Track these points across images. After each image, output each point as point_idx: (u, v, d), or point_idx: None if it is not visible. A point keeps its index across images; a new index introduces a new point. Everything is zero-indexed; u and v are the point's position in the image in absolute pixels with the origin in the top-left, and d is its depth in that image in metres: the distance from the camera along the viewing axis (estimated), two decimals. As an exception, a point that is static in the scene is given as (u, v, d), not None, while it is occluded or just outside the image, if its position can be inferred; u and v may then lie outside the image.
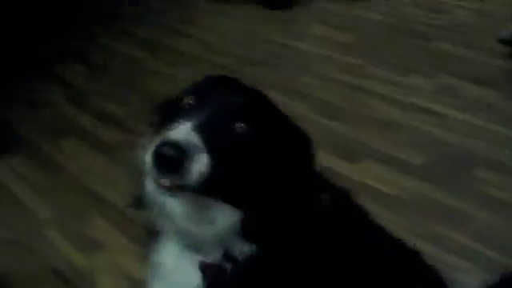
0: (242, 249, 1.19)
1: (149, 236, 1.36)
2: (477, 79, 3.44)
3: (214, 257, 1.22)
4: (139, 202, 1.29)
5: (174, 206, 1.19)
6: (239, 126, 1.14)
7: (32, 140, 3.25)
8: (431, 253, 1.59)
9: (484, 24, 4.27)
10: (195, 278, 1.25)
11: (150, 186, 1.20)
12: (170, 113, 1.23)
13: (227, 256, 1.21)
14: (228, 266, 1.21)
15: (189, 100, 1.19)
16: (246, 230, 1.17)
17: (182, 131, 1.07)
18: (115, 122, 3.37)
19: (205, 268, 1.23)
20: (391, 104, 3.30)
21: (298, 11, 4.98)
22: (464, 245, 2.24)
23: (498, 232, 2.30)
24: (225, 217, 1.17)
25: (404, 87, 3.47)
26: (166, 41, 4.52)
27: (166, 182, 1.07)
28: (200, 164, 1.06)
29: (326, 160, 1.31)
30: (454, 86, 3.43)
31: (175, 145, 1.03)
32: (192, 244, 1.23)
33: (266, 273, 1.22)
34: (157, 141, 1.05)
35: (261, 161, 1.16)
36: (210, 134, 1.08)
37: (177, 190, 1.09)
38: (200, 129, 1.08)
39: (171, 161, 1.03)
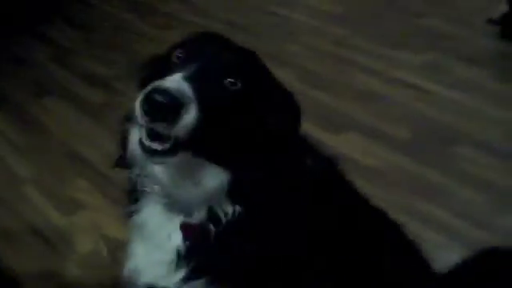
0: (227, 210, 1.19)
1: (130, 195, 1.34)
2: (465, 57, 3.42)
3: (197, 217, 1.21)
4: (122, 161, 1.28)
5: (159, 167, 1.18)
6: (230, 81, 1.12)
7: (15, 97, 3.23)
8: (411, 228, 1.58)
9: (476, 2, 4.25)
10: (176, 238, 1.25)
11: (134, 145, 1.18)
12: (158, 68, 1.20)
13: (211, 217, 1.20)
14: (211, 227, 1.21)
15: (178, 53, 1.17)
16: (231, 192, 1.16)
17: (174, 80, 1.05)
18: (100, 82, 3.34)
19: (186, 228, 1.23)
20: (378, 77, 3.28)
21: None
22: (445, 221, 2.25)
23: (479, 210, 2.32)
24: (211, 178, 1.15)
25: (392, 61, 3.45)
26: (154, 4, 4.45)
27: (152, 144, 1.06)
28: (190, 114, 1.03)
29: (309, 129, 1.30)
30: (442, 63, 3.41)
31: (166, 91, 1.01)
32: (175, 205, 1.22)
33: (249, 235, 1.21)
34: (147, 88, 1.03)
35: (249, 119, 1.15)
36: (200, 85, 1.06)
37: (162, 153, 1.07)
38: (191, 79, 1.06)
39: (161, 107, 1.00)
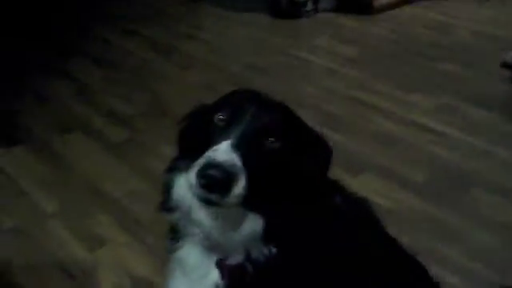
0: (263, 251, 1.27)
1: (171, 234, 1.42)
2: (478, 101, 3.50)
3: (235, 258, 1.29)
4: (164, 206, 1.36)
5: (201, 213, 1.27)
6: (271, 141, 1.22)
7: (39, 133, 3.31)
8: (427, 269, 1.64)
9: (487, 46, 4.34)
10: (214, 275, 1.32)
11: (180, 192, 1.30)
12: (200, 127, 1.30)
13: (248, 257, 1.28)
14: (249, 267, 1.29)
15: (221, 116, 1.26)
16: (267, 234, 1.25)
17: (224, 152, 1.15)
18: (122, 120, 3.43)
19: (223, 267, 1.31)
20: (393, 120, 3.36)
21: (306, 22, 5.05)
22: (459, 263, 2.30)
23: (493, 252, 2.36)
24: (249, 224, 1.24)
25: (406, 104, 3.53)
26: (176, 44, 4.58)
27: (209, 197, 1.15)
28: (240, 184, 1.14)
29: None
30: (455, 106, 3.49)
31: (220, 167, 1.11)
32: (214, 246, 1.30)
33: (284, 274, 1.29)
34: (201, 161, 1.14)
35: (288, 171, 1.24)
36: (246, 152, 1.17)
37: (215, 205, 1.17)
38: (238, 147, 1.17)
39: (216, 182, 1.11)
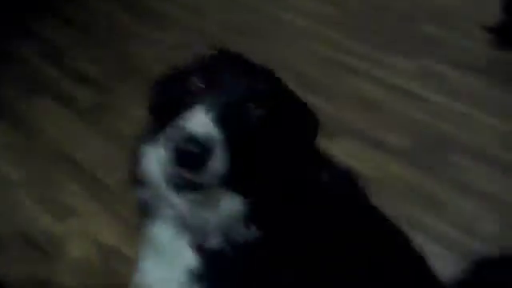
0: (244, 233, 1.14)
1: (141, 210, 1.30)
2: (461, 65, 3.40)
3: (213, 241, 1.17)
4: (135, 179, 1.23)
5: (173, 194, 1.14)
6: (253, 107, 1.09)
7: (4, 95, 3.16)
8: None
9: (469, 9, 4.24)
10: (189, 258, 1.21)
11: (150, 166, 1.17)
12: (174, 93, 1.16)
13: (229, 241, 1.16)
14: (229, 251, 1.17)
15: (197, 82, 1.12)
16: (249, 215, 1.13)
17: (201, 123, 1.01)
18: (92, 83, 3.28)
19: (200, 250, 1.19)
20: (372, 83, 3.26)
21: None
22: (438, 230, 2.25)
23: (472, 219, 2.32)
24: (228, 204, 1.12)
25: (386, 67, 3.42)
26: (151, 4, 4.39)
27: (183, 174, 1.02)
28: (219, 160, 1.01)
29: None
30: (436, 69, 3.39)
31: (194, 138, 0.98)
32: (189, 228, 1.18)
33: (269, 258, 1.18)
34: (172, 132, 1.00)
35: (272, 143, 1.11)
36: (225, 120, 1.03)
37: (188, 189, 1.04)
38: (215, 116, 1.02)
39: (189, 157, 0.98)
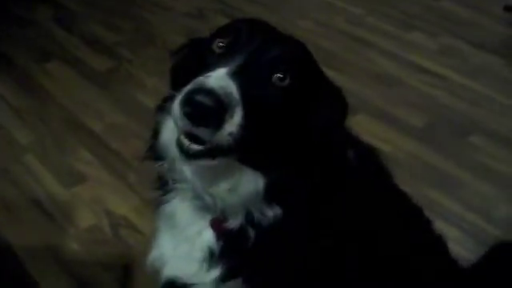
0: (266, 213, 1.08)
1: (159, 183, 1.25)
2: (481, 44, 3.33)
3: (234, 221, 1.10)
4: (152, 152, 1.18)
5: (190, 168, 1.08)
6: (279, 76, 1.01)
7: (17, 60, 3.11)
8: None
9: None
10: (208, 236, 1.16)
11: (167, 138, 1.10)
12: (197, 56, 1.09)
13: (249, 220, 1.09)
14: (250, 231, 1.11)
15: (221, 43, 1.05)
16: (271, 194, 1.06)
17: (219, 77, 0.92)
18: (106, 49, 3.23)
19: (219, 228, 1.14)
20: (391, 59, 3.19)
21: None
22: (454, 212, 2.20)
23: (490, 202, 2.26)
24: (249, 183, 1.05)
25: (406, 44, 3.36)
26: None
27: (191, 147, 0.95)
28: (235, 119, 0.92)
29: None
30: (457, 48, 3.32)
31: (211, 92, 0.88)
32: (207, 206, 1.12)
33: (292, 239, 1.12)
34: (188, 87, 0.91)
35: (296, 118, 1.04)
36: (247, 83, 0.94)
37: (200, 156, 0.96)
38: (237, 76, 0.94)
39: (205, 111, 0.88)
